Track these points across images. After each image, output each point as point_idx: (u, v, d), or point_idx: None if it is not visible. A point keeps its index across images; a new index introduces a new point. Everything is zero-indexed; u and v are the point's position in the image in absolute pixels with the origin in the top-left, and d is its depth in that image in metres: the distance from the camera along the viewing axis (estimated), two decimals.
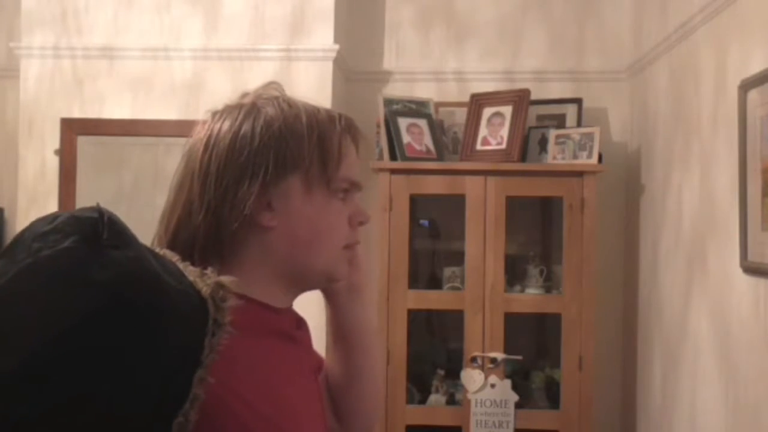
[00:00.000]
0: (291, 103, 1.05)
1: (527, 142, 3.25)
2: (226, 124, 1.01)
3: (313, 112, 1.04)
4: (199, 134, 1.03)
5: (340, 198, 1.05)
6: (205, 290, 0.81)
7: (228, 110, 1.04)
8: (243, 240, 1.00)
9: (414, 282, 3.17)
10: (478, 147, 3.20)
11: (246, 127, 1.01)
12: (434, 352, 3.40)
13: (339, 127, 1.05)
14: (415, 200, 3.16)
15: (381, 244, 3.06)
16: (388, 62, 3.58)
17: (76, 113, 3.24)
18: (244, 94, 1.07)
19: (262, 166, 0.99)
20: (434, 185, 3.12)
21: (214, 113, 1.05)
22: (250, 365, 0.96)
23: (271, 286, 1.03)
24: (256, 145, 1.00)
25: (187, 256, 0.91)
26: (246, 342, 0.89)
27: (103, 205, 0.78)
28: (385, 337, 3.04)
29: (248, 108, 1.03)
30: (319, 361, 1.22)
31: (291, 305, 1.09)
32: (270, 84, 1.08)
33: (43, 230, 0.74)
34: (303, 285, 1.08)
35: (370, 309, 1.22)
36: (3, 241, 3.73)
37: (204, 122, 1.05)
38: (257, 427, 0.94)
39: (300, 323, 1.11)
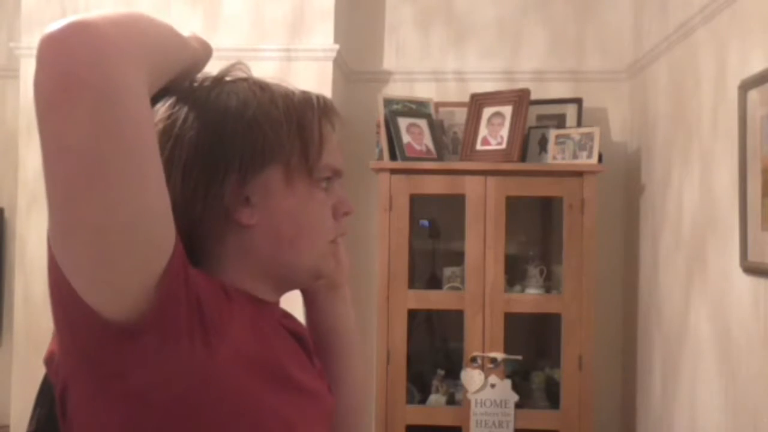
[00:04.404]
0: (263, 86, 0.94)
1: (527, 142, 3.25)
2: (192, 112, 0.89)
3: (289, 95, 0.94)
4: (158, 123, 0.88)
5: (323, 188, 0.95)
6: None
7: (192, 95, 0.91)
8: (220, 238, 0.90)
9: (414, 282, 3.17)
10: (478, 147, 3.20)
11: (215, 115, 0.89)
12: (434, 352, 3.41)
13: (317, 110, 0.95)
14: (415, 200, 3.16)
15: (381, 244, 3.06)
16: (388, 62, 3.58)
17: None
18: (205, 78, 0.95)
19: (236, 157, 0.88)
20: (434, 185, 3.12)
21: (176, 98, 0.90)
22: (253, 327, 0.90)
23: (255, 284, 0.93)
24: (228, 134, 0.88)
25: None
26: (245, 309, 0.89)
27: None
28: (385, 337, 3.05)
29: (216, 92, 0.92)
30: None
31: (277, 302, 1.00)
32: (236, 65, 0.97)
33: None
34: (289, 284, 0.98)
35: (349, 307, 1.12)
36: (3, 241, 3.73)
37: (165, 107, 0.90)
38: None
39: (287, 315, 1.03)
